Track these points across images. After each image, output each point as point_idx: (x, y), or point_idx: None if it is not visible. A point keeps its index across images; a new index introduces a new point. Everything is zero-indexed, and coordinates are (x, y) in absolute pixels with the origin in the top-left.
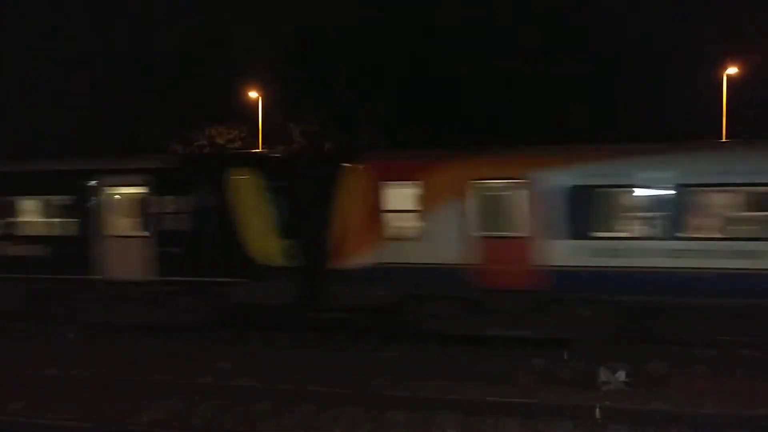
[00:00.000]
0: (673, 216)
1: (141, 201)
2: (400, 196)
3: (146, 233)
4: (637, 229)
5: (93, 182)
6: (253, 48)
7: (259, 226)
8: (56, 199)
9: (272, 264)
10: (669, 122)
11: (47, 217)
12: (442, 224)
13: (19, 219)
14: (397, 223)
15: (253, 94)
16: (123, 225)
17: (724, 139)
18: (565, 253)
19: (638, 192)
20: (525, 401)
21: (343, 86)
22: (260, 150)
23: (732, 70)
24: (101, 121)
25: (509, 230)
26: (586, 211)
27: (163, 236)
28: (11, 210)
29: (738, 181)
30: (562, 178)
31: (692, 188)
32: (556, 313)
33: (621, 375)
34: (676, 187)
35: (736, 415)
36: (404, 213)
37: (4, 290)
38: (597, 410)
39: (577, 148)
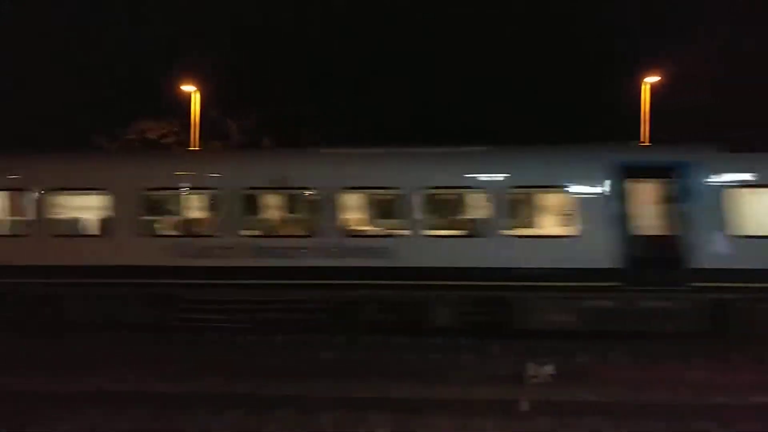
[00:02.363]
0: None
1: None
2: None
3: None
4: None
5: None
6: (189, 42)
7: None
8: None
9: None
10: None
11: None
12: None
13: None
14: None
15: (187, 88)
16: None
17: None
18: None
19: None
20: (454, 398)
21: (285, 82)
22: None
23: (653, 78)
24: (30, 116)
25: None
26: None
27: None
28: None
29: None
30: None
31: None
32: None
33: (548, 368)
34: None
35: (657, 402)
36: None
37: None
38: (523, 403)
39: None
